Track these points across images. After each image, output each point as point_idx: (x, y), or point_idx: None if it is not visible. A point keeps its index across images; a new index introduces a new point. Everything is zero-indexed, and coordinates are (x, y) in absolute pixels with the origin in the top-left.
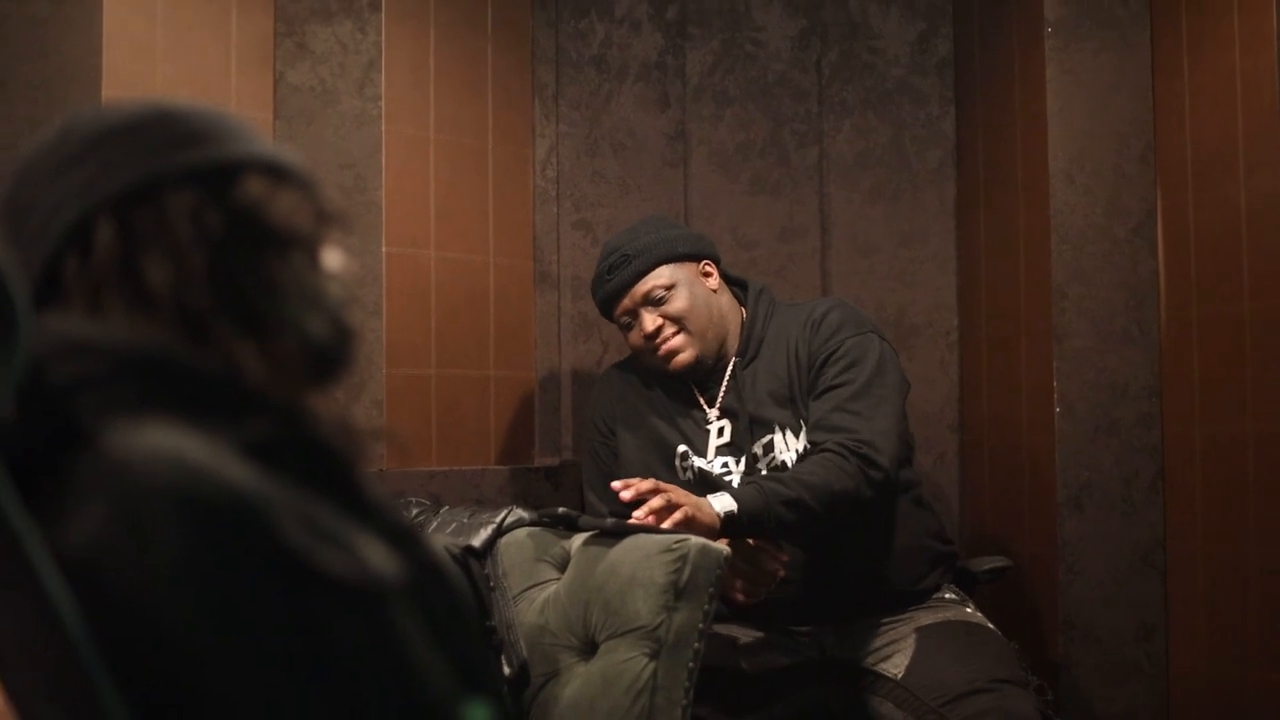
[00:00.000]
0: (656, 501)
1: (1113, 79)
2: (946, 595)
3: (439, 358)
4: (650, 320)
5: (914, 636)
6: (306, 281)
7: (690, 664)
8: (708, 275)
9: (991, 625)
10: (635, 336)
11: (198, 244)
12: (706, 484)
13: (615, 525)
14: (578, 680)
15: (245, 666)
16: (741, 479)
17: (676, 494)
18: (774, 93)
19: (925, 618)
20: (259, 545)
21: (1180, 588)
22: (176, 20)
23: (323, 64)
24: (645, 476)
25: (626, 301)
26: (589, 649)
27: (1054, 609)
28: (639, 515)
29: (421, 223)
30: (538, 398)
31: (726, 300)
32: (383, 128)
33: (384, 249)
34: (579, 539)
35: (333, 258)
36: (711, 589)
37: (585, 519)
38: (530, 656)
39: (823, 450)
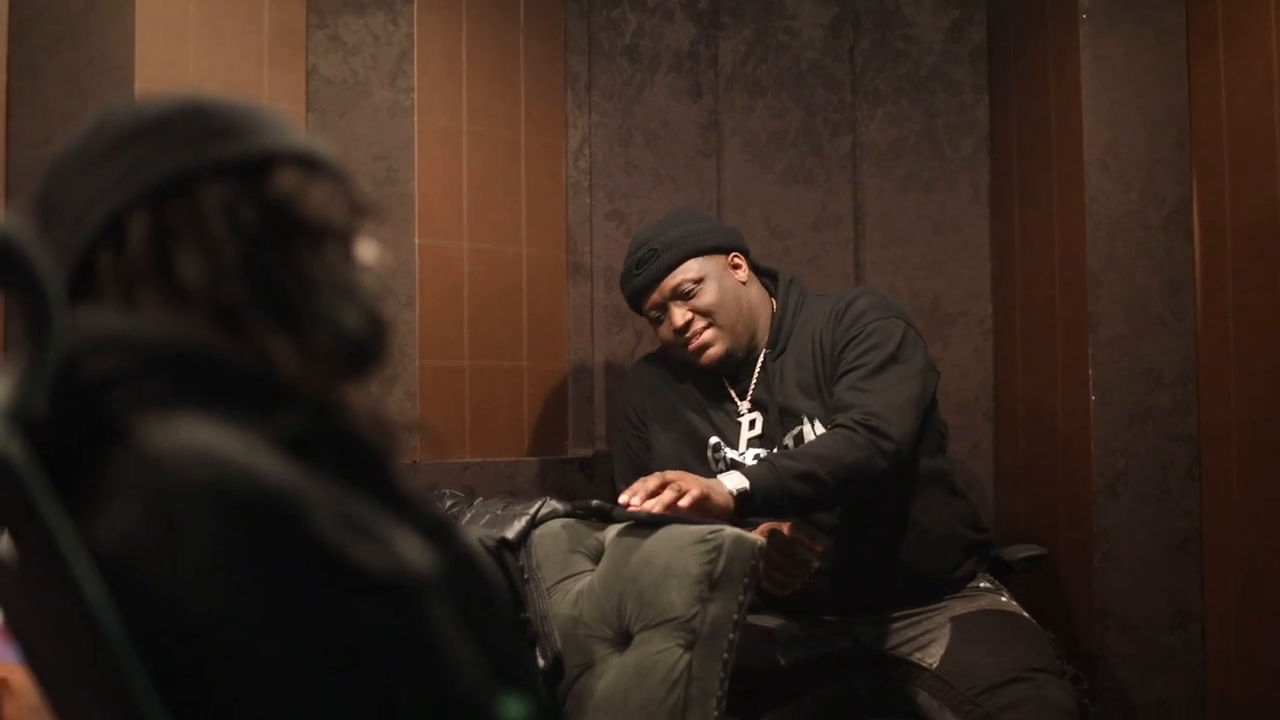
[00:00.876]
0: (667, 495)
1: (1148, 65)
2: (981, 584)
3: (472, 349)
4: (680, 314)
5: (949, 626)
6: (340, 274)
7: (725, 655)
8: (737, 267)
9: (1027, 614)
10: (665, 330)
11: (231, 237)
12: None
13: (650, 516)
14: (612, 672)
15: (279, 660)
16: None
17: (684, 479)
18: (807, 82)
19: (960, 607)
20: (293, 539)
21: (1216, 575)
22: (209, 12)
23: (355, 55)
24: (678, 468)
25: (655, 296)
26: (623, 640)
27: (1089, 597)
28: (650, 507)
29: (454, 214)
30: (571, 389)
31: (756, 292)
32: (415, 119)
33: (417, 241)
34: (613, 530)
35: (366, 250)
36: (746, 579)
37: (619, 510)
38: (565, 648)
39: (835, 427)
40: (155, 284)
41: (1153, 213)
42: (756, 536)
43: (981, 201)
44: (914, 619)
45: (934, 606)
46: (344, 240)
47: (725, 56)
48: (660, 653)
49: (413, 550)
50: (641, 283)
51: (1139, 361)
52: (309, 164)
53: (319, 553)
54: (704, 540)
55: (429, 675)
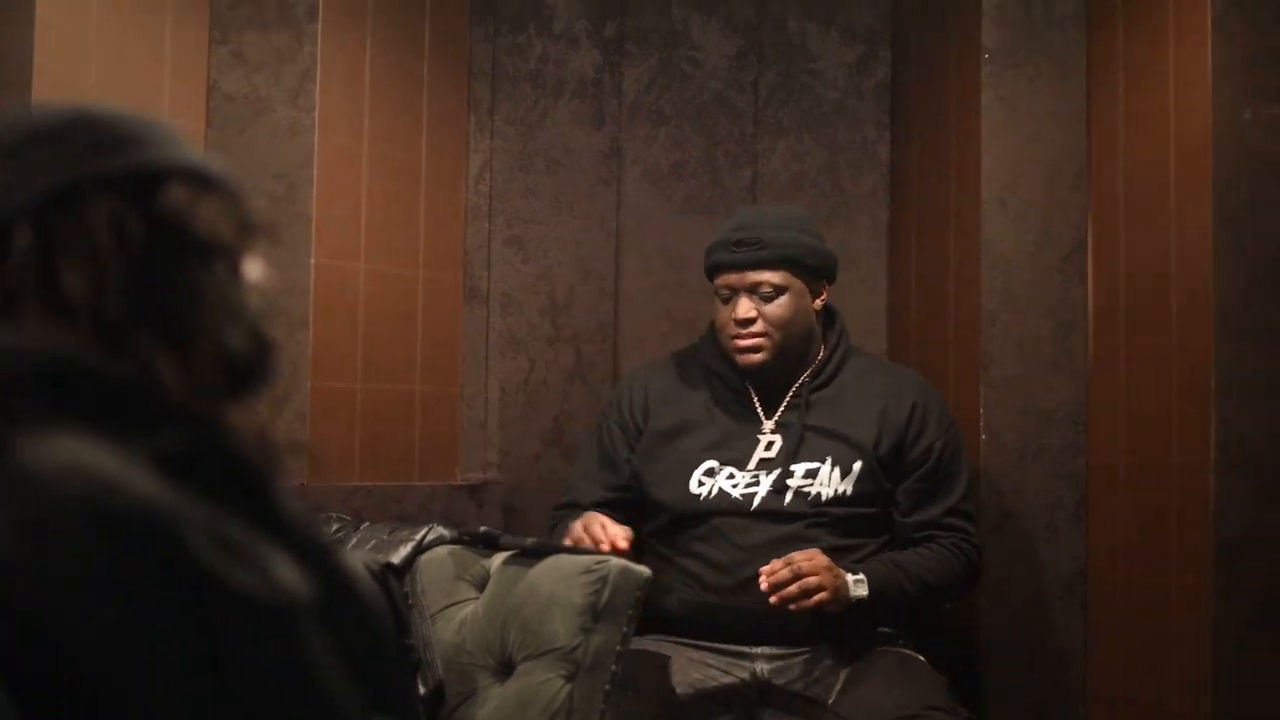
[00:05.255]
0: (784, 577)
1: (1048, 106)
2: (880, 628)
3: (365, 371)
4: (746, 308)
5: (846, 664)
6: (227, 292)
7: (607, 686)
8: (818, 295)
9: (921, 657)
10: (726, 314)
11: (118, 252)
12: (725, 506)
13: (536, 544)
14: (493, 701)
15: (148, 680)
16: (785, 502)
17: (816, 569)
18: (710, 112)
19: (858, 646)
20: (166, 559)
21: (1100, 617)
22: (110, 25)
23: (257, 73)
24: (658, 486)
25: (735, 279)
26: (506, 669)
27: (976, 636)
28: (773, 601)
29: (352, 235)
30: (464, 414)
31: (817, 322)
32: (315, 139)
33: (313, 260)
34: (499, 558)
35: (255, 269)
36: (630, 611)
37: (506, 538)
38: (447, 676)
39: (953, 549)
40: (38, 296)
41: (1048, 253)
42: (643, 568)
43: (880, 238)
44: (812, 656)
45: (832, 644)
46: (233, 258)
47: (629, 85)
48: (542, 683)
49: (288, 573)
50: (731, 261)
51: (1030, 401)
52: (200, 180)
53: (192, 573)
54: (589, 570)
55: (301, 700)
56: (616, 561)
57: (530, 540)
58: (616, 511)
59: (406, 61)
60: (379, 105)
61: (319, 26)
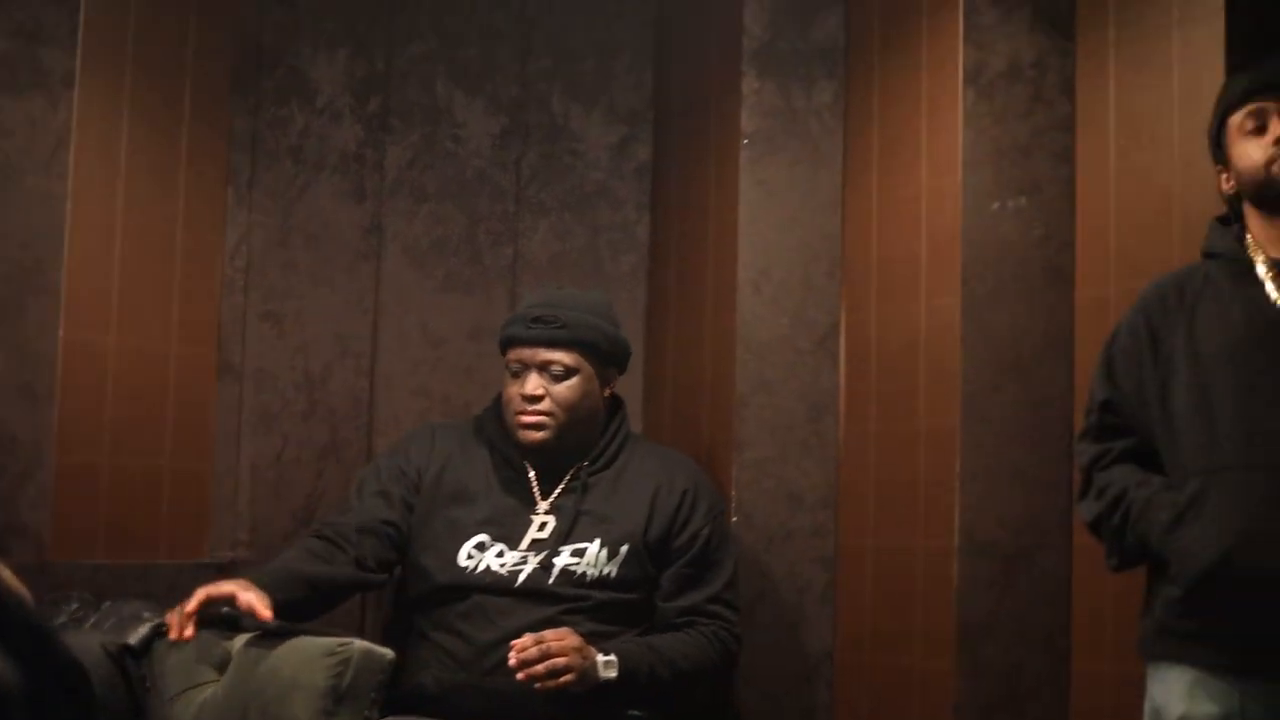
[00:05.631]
0: (540, 669)
1: (805, 192)
2: (630, 710)
3: (113, 447)
4: (534, 385)
5: None
6: None
7: None
8: (606, 383)
9: None
10: (514, 389)
11: None
12: (489, 582)
13: (278, 626)
14: None
15: None
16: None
17: (565, 650)
18: (472, 190)
19: None
20: None
21: (846, 699)
22: None
23: (8, 139)
24: (426, 552)
25: (527, 354)
26: None
27: (726, 718)
28: (520, 676)
29: (102, 308)
30: (214, 491)
31: (601, 409)
32: (68, 208)
33: (61, 334)
34: (241, 639)
35: None
36: (373, 694)
37: (248, 619)
38: None
39: (712, 636)
40: None
41: (802, 337)
42: (386, 651)
43: (638, 318)
44: None
45: None
46: None
47: (391, 160)
48: None
49: None
50: (526, 337)
51: (782, 484)
52: None
53: None
54: (333, 653)
55: None
56: (360, 644)
57: (274, 622)
58: (376, 540)
59: (165, 132)
60: (135, 175)
61: (75, 93)
